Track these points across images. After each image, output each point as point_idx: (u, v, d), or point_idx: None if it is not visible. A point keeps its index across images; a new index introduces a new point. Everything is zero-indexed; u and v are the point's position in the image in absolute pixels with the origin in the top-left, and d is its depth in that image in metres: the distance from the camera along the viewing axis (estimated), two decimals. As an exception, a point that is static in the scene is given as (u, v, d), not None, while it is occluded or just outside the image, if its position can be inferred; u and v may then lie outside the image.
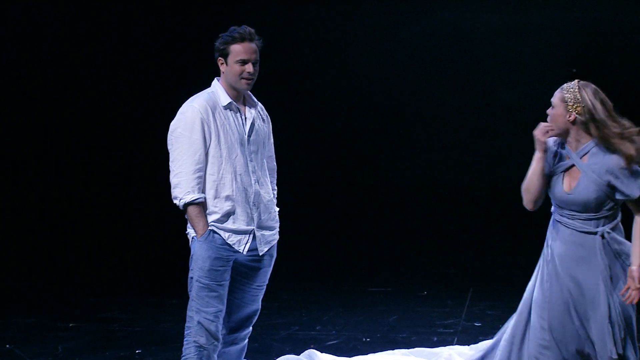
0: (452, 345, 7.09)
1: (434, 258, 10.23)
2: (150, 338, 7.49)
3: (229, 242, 5.21)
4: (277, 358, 6.67)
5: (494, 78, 11.82)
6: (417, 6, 11.91)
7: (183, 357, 5.26)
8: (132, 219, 11.26)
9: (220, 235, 5.20)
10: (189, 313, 5.25)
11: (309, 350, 6.75)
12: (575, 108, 4.86)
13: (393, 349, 6.88)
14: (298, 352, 6.77)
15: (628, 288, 4.80)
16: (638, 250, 4.79)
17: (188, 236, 5.33)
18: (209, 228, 5.18)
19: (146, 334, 7.62)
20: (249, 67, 5.21)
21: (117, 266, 10.10)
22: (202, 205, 5.18)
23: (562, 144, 4.99)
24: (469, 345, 6.98)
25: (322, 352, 6.72)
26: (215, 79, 5.36)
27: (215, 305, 5.21)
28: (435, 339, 7.43)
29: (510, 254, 10.08)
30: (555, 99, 4.93)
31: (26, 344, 7.39)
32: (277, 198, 5.55)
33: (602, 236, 4.86)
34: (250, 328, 5.58)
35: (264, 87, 11.94)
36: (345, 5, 12.05)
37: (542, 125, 4.92)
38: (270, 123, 5.55)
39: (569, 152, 4.94)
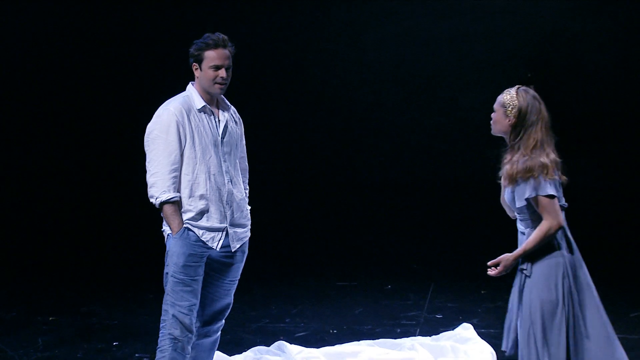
0: (415, 336, 7.12)
1: (397, 254, 10.23)
2: (127, 331, 7.49)
3: (202, 239, 5.27)
4: (248, 349, 6.70)
5: (455, 82, 11.87)
6: (382, 14, 11.97)
7: (158, 349, 5.30)
8: (111, 217, 11.21)
9: (194, 232, 5.25)
10: (164, 307, 5.30)
11: (278, 341, 6.79)
12: (512, 112, 4.84)
13: (358, 340, 6.91)
14: (268, 344, 6.80)
15: (497, 264, 4.90)
16: (522, 248, 4.84)
17: (164, 233, 5.37)
18: (184, 226, 5.23)
19: (123, 326, 7.62)
20: (222, 73, 5.27)
21: (96, 262, 10.04)
22: (177, 203, 5.23)
23: None
24: (430, 336, 7.02)
25: (291, 343, 6.75)
26: (190, 83, 5.41)
27: (189, 299, 5.25)
28: (398, 330, 7.48)
29: (469, 250, 10.13)
30: (496, 103, 4.92)
31: (7, 337, 7.40)
32: (249, 197, 5.60)
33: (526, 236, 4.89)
34: (223, 321, 5.62)
35: (237, 90, 11.99)
36: (313, 13, 12.10)
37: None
38: (242, 125, 5.60)
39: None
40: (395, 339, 6.96)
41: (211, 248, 5.30)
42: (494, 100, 5.03)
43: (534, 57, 11.45)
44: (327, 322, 7.78)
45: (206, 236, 5.28)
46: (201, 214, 5.27)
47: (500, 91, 5.05)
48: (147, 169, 5.27)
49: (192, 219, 5.26)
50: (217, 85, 5.29)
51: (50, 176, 11.75)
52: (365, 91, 12.10)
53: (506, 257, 4.88)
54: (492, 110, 5.00)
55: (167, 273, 5.30)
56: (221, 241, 5.33)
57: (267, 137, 12.04)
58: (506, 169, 4.82)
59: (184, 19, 11.53)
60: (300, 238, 11.00)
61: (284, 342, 6.78)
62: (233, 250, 5.40)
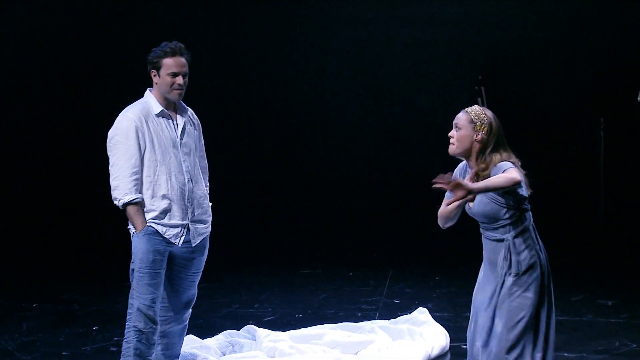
0: (374, 319, 7.14)
1: (358, 244, 10.27)
2: (106, 317, 7.46)
3: (165, 237, 5.25)
4: (219, 333, 6.69)
5: (410, 85, 11.91)
6: (344, 21, 11.98)
7: (125, 340, 5.31)
8: (90, 210, 11.15)
9: (157, 230, 5.24)
10: (130, 300, 5.30)
11: (248, 325, 6.78)
12: (482, 128, 4.69)
13: (322, 324, 6.92)
14: (238, 328, 6.79)
15: (458, 185, 4.45)
16: (485, 182, 4.51)
17: (130, 231, 5.35)
18: (147, 224, 5.22)
19: (103, 313, 7.59)
20: (180, 79, 5.24)
21: (76, 252, 10.01)
22: (139, 204, 5.21)
23: (466, 166, 4.81)
24: (389, 319, 7.05)
25: (259, 327, 6.74)
26: (148, 89, 5.36)
27: (153, 293, 5.25)
28: (359, 314, 7.49)
29: (424, 240, 10.17)
30: (462, 121, 4.72)
31: (-7, 322, 7.34)
32: (211, 193, 5.57)
33: (508, 241, 4.68)
34: (190, 310, 5.62)
35: (205, 92, 11.96)
36: (279, 20, 12.08)
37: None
38: (200, 126, 5.56)
39: (469, 171, 4.77)
40: (356, 322, 6.97)
41: (173, 244, 5.29)
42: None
43: (483, 62, 11.50)
44: (293, 307, 7.77)
45: (169, 233, 5.27)
46: (164, 212, 5.25)
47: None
48: (110, 172, 5.26)
49: (155, 217, 5.24)
50: (175, 92, 5.26)
51: (31, 169, 11.64)
52: (326, 93, 12.11)
53: (467, 184, 4.45)
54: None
55: (133, 269, 5.30)
56: (183, 237, 5.32)
57: (235, 134, 12.01)
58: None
59: (155, 24, 11.44)
60: (268, 230, 11.01)
61: (253, 326, 6.76)
62: (194, 245, 5.39)
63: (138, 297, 5.25)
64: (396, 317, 7.09)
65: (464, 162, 4.87)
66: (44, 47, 11.58)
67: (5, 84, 11.41)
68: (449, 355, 6.55)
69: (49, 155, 11.71)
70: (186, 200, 5.30)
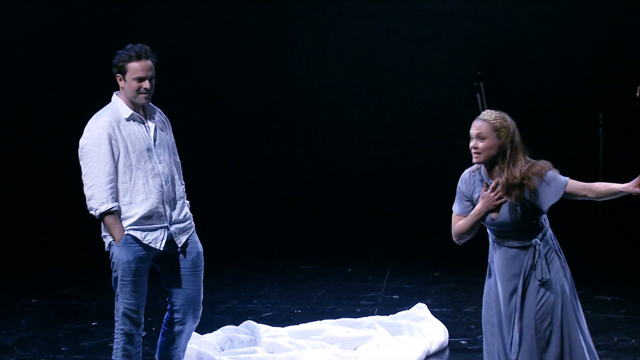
0: (373, 315, 7.14)
1: (357, 240, 10.24)
2: (105, 312, 7.36)
3: (145, 242, 5.15)
4: (219, 328, 6.69)
5: (410, 80, 11.91)
6: (342, 16, 11.98)
7: (114, 341, 5.34)
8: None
9: (137, 237, 5.13)
10: (115, 304, 5.26)
11: (247, 321, 6.75)
12: (505, 133, 4.61)
13: (321, 320, 6.89)
14: (237, 323, 6.77)
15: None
16: (618, 186, 4.56)
17: (104, 239, 5.25)
18: (125, 233, 5.12)
19: (101, 308, 7.56)
20: (146, 84, 5.09)
21: (76, 248, 10.00)
22: (117, 212, 5.11)
23: (473, 173, 4.71)
24: (388, 315, 7.05)
25: (258, 323, 6.72)
26: (115, 93, 5.22)
27: (137, 298, 5.20)
28: (358, 310, 7.48)
29: (424, 236, 10.18)
30: (485, 130, 4.59)
31: (-7, 318, 7.34)
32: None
33: (535, 248, 4.60)
34: (195, 317, 5.43)
35: (205, 86, 11.96)
36: (278, 15, 12.08)
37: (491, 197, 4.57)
38: (169, 124, 5.40)
39: (488, 180, 4.64)
40: (355, 318, 6.96)
41: (154, 248, 5.17)
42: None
43: (482, 58, 11.50)
44: (292, 303, 7.78)
45: (149, 238, 5.15)
46: (143, 218, 5.14)
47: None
48: (84, 182, 5.14)
49: (133, 224, 5.13)
50: (141, 96, 5.11)
51: (31, 165, 11.65)
52: (325, 89, 12.11)
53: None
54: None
55: (115, 277, 5.22)
56: (164, 240, 5.19)
57: (234, 130, 12.01)
58: (510, 181, 4.54)
59: (152, 21, 11.44)
60: (267, 225, 11.00)
61: (252, 321, 6.74)
62: (180, 245, 5.27)
63: (122, 302, 5.21)
64: (395, 313, 7.09)
65: (468, 174, 4.73)
66: (30, 47, 11.58)
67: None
68: (447, 351, 6.56)
69: (48, 151, 11.72)
70: (164, 203, 5.18)
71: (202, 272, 5.42)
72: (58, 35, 11.77)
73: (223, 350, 6.37)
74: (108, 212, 5.09)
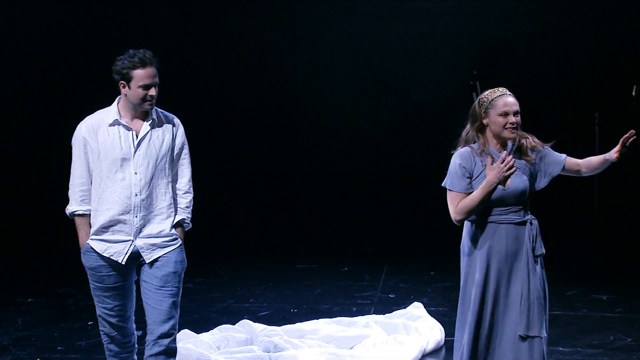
0: (369, 314, 7.14)
1: (353, 238, 10.26)
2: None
3: (105, 255, 4.96)
4: (215, 327, 6.67)
5: (405, 78, 11.92)
6: (339, 15, 11.98)
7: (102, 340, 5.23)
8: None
9: (96, 249, 4.98)
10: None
11: (243, 320, 6.73)
12: None
13: (317, 319, 6.89)
14: (233, 322, 6.75)
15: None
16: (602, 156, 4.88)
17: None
18: (88, 240, 5.00)
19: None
20: (152, 91, 4.93)
21: (72, 247, 9.98)
22: (85, 217, 5.00)
23: (472, 150, 4.75)
24: (384, 314, 7.05)
25: (255, 322, 6.71)
26: (118, 97, 5.05)
27: (112, 302, 5.03)
28: (354, 309, 7.48)
29: (420, 235, 10.19)
30: (518, 105, 4.83)
31: (-12, 317, 7.33)
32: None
33: (531, 223, 4.72)
34: (170, 337, 5.02)
35: (201, 89, 11.94)
36: (274, 13, 12.08)
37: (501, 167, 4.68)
38: (180, 134, 5.12)
39: (493, 153, 4.73)
40: (351, 317, 6.96)
41: (116, 262, 4.96)
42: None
43: (478, 56, 11.51)
44: (288, 302, 7.78)
45: (110, 251, 4.96)
46: (105, 227, 4.96)
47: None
48: None
49: (96, 232, 4.97)
50: (147, 103, 4.96)
51: (28, 164, 11.65)
52: (321, 87, 12.12)
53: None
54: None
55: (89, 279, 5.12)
56: (127, 254, 4.96)
57: (230, 129, 12.00)
58: (534, 142, 4.79)
59: (150, 21, 11.44)
60: (263, 224, 11.00)
61: (248, 320, 6.73)
62: (148, 262, 4.99)
63: (97, 305, 5.09)
64: (391, 312, 7.10)
65: (468, 150, 4.76)
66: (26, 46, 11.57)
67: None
68: (444, 350, 6.56)
69: (44, 151, 11.72)
70: (132, 215, 4.95)
71: (172, 294, 5.02)
72: (52, 36, 11.75)
73: (219, 350, 6.36)
74: (75, 214, 5.01)
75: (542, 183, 4.82)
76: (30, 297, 7.94)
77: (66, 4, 11.76)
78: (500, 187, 4.69)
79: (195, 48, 12.02)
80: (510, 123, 4.75)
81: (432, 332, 6.58)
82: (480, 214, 4.76)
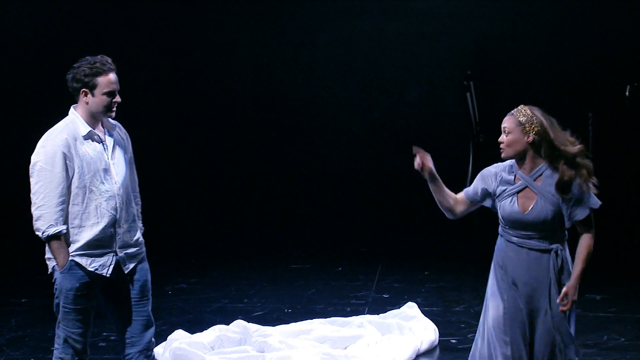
0: (364, 314, 7.15)
1: (347, 239, 10.27)
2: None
3: (90, 269, 4.81)
4: (208, 328, 6.67)
5: (399, 79, 11.93)
6: (333, 15, 11.99)
7: None
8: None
9: (81, 263, 4.81)
10: (57, 331, 4.94)
11: (237, 320, 6.74)
12: (533, 129, 4.60)
13: (312, 319, 6.91)
14: (228, 322, 6.75)
15: (566, 296, 4.57)
16: (579, 268, 4.57)
17: (47, 262, 4.93)
18: (70, 259, 4.80)
19: (91, 308, 7.60)
20: (117, 98, 4.83)
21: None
22: (64, 236, 4.79)
23: (509, 167, 4.66)
24: (378, 314, 7.06)
25: (249, 322, 6.72)
26: (72, 107, 4.87)
27: (81, 327, 4.89)
28: (348, 309, 7.49)
29: (414, 235, 10.20)
30: (509, 124, 4.61)
31: (-19, 318, 7.31)
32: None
33: (556, 253, 4.58)
34: (151, 339, 5.02)
35: (196, 89, 11.92)
36: (269, 13, 12.09)
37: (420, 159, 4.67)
38: (129, 138, 5.07)
39: (520, 174, 4.60)
40: (345, 317, 6.97)
41: (101, 275, 4.84)
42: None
43: (472, 57, 11.53)
44: (282, 302, 7.78)
45: (95, 265, 4.82)
46: (90, 243, 4.81)
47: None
48: (32, 200, 4.80)
49: (79, 249, 4.81)
50: (111, 111, 4.85)
51: (21, 165, 11.61)
52: (316, 87, 12.12)
53: (571, 287, 4.57)
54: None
55: (57, 303, 4.89)
56: (111, 266, 4.85)
57: (225, 129, 12.00)
58: (568, 176, 4.54)
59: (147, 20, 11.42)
60: (257, 224, 11.01)
61: (242, 321, 6.73)
62: (127, 272, 4.91)
63: (65, 329, 4.89)
64: (385, 312, 7.11)
65: (507, 163, 4.67)
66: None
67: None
68: (437, 350, 6.58)
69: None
70: (116, 227, 4.86)
71: (150, 302, 5.02)
72: (41, 37, 11.73)
73: (213, 350, 6.37)
74: (55, 236, 4.77)
75: (567, 224, 4.60)
76: (23, 298, 7.94)
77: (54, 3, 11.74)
78: (519, 210, 4.56)
79: (189, 48, 12.02)
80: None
81: (426, 332, 6.59)
82: (507, 232, 4.65)
